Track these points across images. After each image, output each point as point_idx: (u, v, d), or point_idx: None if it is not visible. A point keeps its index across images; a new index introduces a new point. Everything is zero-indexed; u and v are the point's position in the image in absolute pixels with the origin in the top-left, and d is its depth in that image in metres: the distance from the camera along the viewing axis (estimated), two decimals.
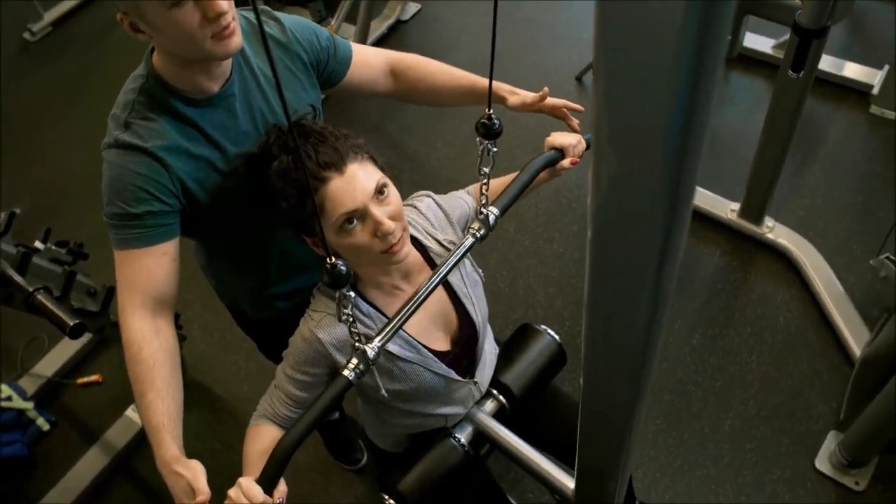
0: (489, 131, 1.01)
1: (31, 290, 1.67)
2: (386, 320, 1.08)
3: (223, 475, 0.99)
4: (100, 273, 2.36)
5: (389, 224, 1.05)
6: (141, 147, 1.12)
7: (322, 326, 1.12)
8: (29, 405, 2.40)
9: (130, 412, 2.37)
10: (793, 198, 2.57)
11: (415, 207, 1.27)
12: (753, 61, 2.98)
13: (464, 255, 1.08)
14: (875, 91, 2.76)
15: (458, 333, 1.28)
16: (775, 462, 2.02)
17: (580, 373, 0.68)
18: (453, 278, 1.26)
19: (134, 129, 1.13)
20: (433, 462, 1.30)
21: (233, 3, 1.07)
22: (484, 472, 1.52)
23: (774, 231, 2.42)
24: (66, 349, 2.56)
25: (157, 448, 1.06)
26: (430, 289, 1.02)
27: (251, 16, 1.23)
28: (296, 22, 1.28)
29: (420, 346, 1.20)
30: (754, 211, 2.41)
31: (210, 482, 1.01)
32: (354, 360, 0.94)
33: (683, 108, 0.37)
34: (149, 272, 1.14)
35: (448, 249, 1.23)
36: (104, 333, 2.17)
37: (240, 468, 1.09)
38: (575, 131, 1.38)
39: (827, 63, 2.81)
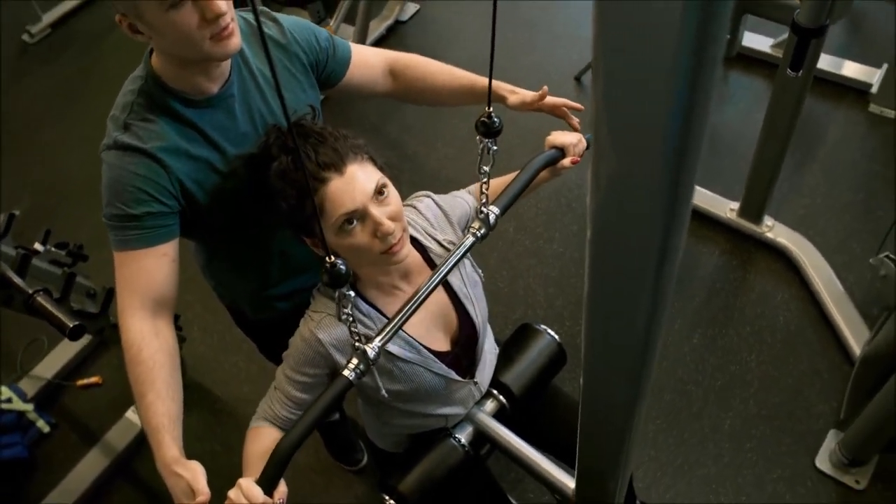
0: (489, 130, 1.01)
1: (30, 291, 1.67)
2: (386, 321, 1.08)
3: (223, 476, 0.99)
4: (99, 275, 2.36)
5: (389, 224, 1.05)
6: (140, 148, 1.12)
7: (322, 327, 1.12)
8: (29, 407, 2.40)
9: (130, 414, 2.37)
10: (792, 197, 2.57)
11: (414, 208, 1.27)
12: (752, 60, 2.98)
13: (464, 254, 1.08)
14: (874, 90, 2.76)
15: (458, 334, 1.28)
16: (776, 461, 2.02)
17: (580, 373, 0.68)
18: (453, 279, 1.26)
19: (133, 131, 1.13)
20: (433, 462, 1.30)
21: (231, 4, 1.07)
22: (484, 473, 1.52)
23: (774, 230, 2.42)
24: (65, 351, 2.56)
25: (156, 449, 1.06)
26: (430, 288, 1.02)
27: (250, 17, 1.23)
28: (294, 23, 1.28)
29: (420, 347, 1.20)
30: (754, 210, 2.41)
31: (210, 483, 1.01)
32: (355, 360, 0.94)
33: (682, 107, 0.37)
34: (148, 273, 1.14)
35: (448, 250, 1.23)
36: (104, 335, 2.17)
37: (240, 470, 1.09)
38: (576, 130, 1.38)
39: (826, 62, 2.81)
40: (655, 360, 0.61)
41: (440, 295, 1.25)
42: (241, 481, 0.94)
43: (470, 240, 1.08)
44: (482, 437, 1.36)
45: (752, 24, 2.86)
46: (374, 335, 0.97)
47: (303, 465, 2.21)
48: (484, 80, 1.38)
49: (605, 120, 0.40)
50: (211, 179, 1.19)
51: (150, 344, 1.12)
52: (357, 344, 0.93)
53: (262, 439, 1.12)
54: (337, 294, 0.84)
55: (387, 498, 1.27)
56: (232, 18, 1.07)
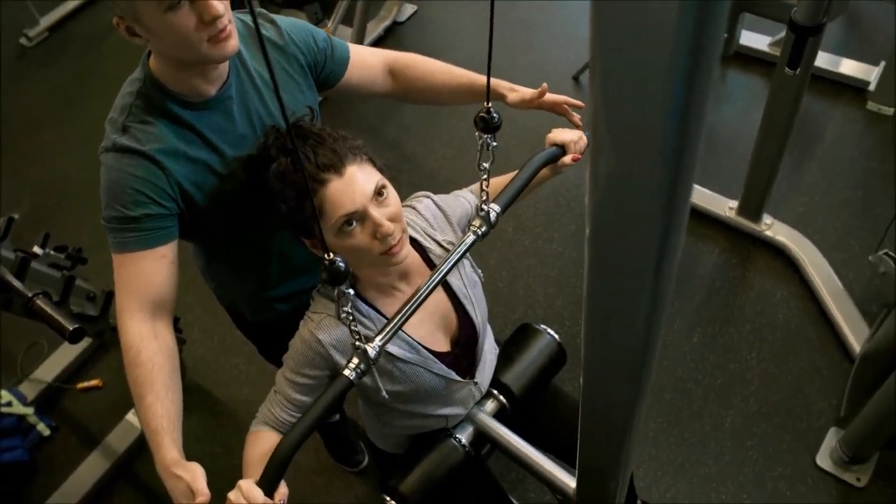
0: (488, 125, 1.01)
1: (30, 295, 1.67)
2: (386, 321, 1.08)
3: (223, 478, 0.99)
4: (99, 277, 2.36)
5: (388, 225, 1.05)
6: (139, 150, 1.12)
7: (322, 327, 1.12)
8: (29, 410, 2.40)
9: (131, 416, 2.37)
10: (791, 195, 2.57)
11: (413, 208, 1.27)
12: (750, 59, 2.99)
13: (465, 252, 1.08)
14: (872, 87, 2.76)
15: (457, 334, 1.28)
16: (776, 459, 2.02)
17: (580, 372, 0.68)
18: (453, 279, 1.26)
19: (131, 133, 1.13)
20: (434, 463, 1.30)
21: (229, 5, 1.07)
22: (485, 473, 1.52)
23: (773, 228, 2.42)
24: (65, 354, 2.56)
25: (156, 451, 1.06)
26: (431, 286, 1.03)
27: (247, 18, 1.23)
28: (292, 24, 1.28)
29: (420, 347, 1.20)
30: (752, 208, 2.41)
31: (210, 485, 1.01)
32: (355, 360, 0.94)
33: (680, 106, 0.37)
34: (147, 275, 1.14)
35: (447, 250, 1.23)
36: (104, 338, 2.17)
37: (240, 472, 1.09)
38: (577, 127, 1.38)
39: (823, 60, 2.81)
40: (655, 358, 0.62)
41: (440, 295, 1.25)
42: (241, 482, 0.94)
43: (471, 238, 1.08)
44: (483, 437, 1.36)
45: (750, 22, 2.86)
46: (374, 336, 0.97)
47: (303, 466, 2.21)
48: (483, 79, 1.38)
49: (603, 119, 0.40)
50: (209, 181, 1.19)
51: (149, 346, 1.12)
52: (357, 343, 0.93)
53: (262, 443, 1.11)
54: (336, 292, 0.84)
55: (388, 499, 1.27)
56: (229, 20, 1.07)
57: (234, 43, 1.08)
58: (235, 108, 1.20)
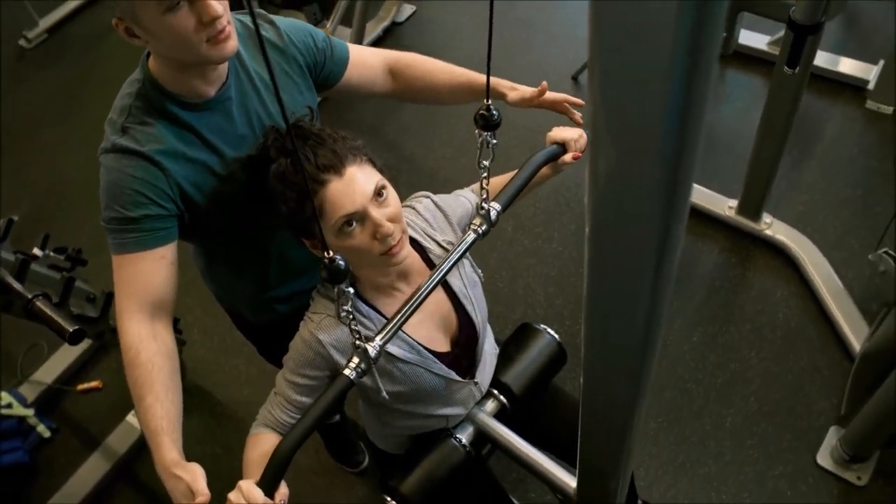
0: (488, 122, 1.01)
1: (29, 296, 1.67)
2: (386, 321, 1.08)
3: (224, 479, 0.99)
4: (99, 279, 2.36)
5: (388, 226, 1.05)
6: (138, 151, 1.12)
7: (322, 328, 1.12)
8: (29, 412, 2.40)
9: (131, 418, 2.37)
10: (790, 194, 2.57)
11: (413, 209, 1.27)
12: (749, 58, 2.99)
13: (466, 250, 1.08)
14: (871, 86, 2.76)
15: (457, 334, 1.28)
16: (777, 458, 2.02)
17: (580, 372, 0.68)
18: (453, 279, 1.26)
19: (131, 134, 1.13)
20: (435, 463, 1.30)
21: (228, 6, 1.07)
22: (486, 473, 1.52)
23: (773, 227, 2.43)
24: (65, 356, 2.56)
25: (156, 452, 1.06)
26: (432, 285, 1.03)
27: (246, 19, 1.23)
28: (291, 24, 1.28)
29: (420, 348, 1.20)
30: (752, 207, 2.41)
31: (211, 486, 1.01)
32: (355, 360, 0.94)
33: (679, 106, 0.37)
34: (146, 276, 1.14)
35: (447, 250, 1.23)
36: (103, 339, 2.17)
37: (241, 472, 1.09)
38: (578, 125, 1.38)
39: (822, 59, 2.81)
40: (655, 358, 0.62)
41: (440, 296, 1.25)
42: (242, 483, 0.94)
43: (471, 236, 1.08)
44: (483, 437, 1.36)
45: (749, 21, 2.86)
46: (374, 336, 0.97)
47: (304, 466, 2.21)
48: (482, 77, 1.38)
49: (602, 119, 0.40)
50: (209, 182, 1.19)
51: (149, 347, 1.12)
52: (357, 342, 0.93)
53: (262, 444, 1.11)
54: (336, 290, 0.84)
55: (388, 499, 1.27)
56: (228, 21, 1.07)
57: (233, 44, 1.08)
58: (235, 108, 1.20)
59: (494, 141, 1.03)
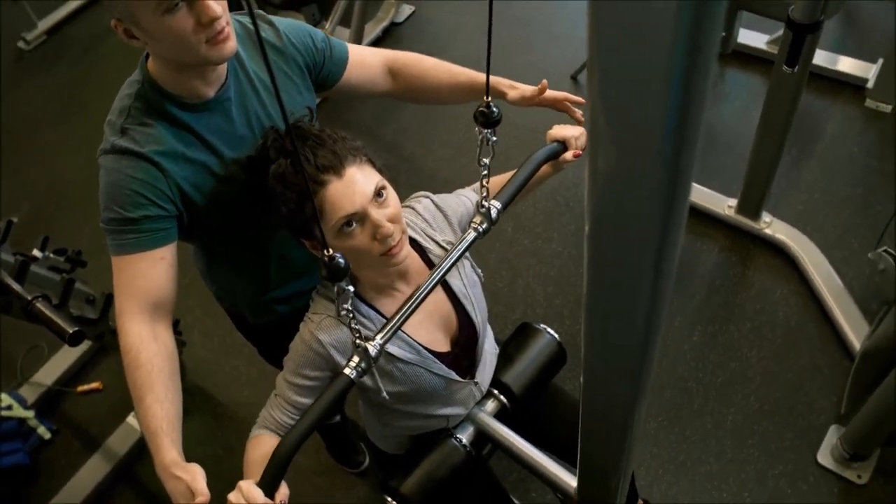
0: (488, 119, 1.01)
1: (29, 298, 1.67)
2: (386, 321, 1.08)
3: (224, 480, 0.99)
4: (98, 280, 2.36)
5: (388, 226, 1.05)
6: (137, 152, 1.12)
7: (322, 328, 1.11)
8: (30, 414, 2.40)
9: (131, 419, 2.37)
10: (790, 193, 2.57)
11: (412, 209, 1.27)
12: (748, 57, 2.99)
13: (466, 249, 1.08)
14: (870, 85, 2.76)
15: (457, 334, 1.28)
16: (778, 457, 2.02)
17: (580, 371, 0.68)
18: (453, 279, 1.26)
19: (130, 135, 1.13)
20: (435, 463, 1.30)
21: (227, 7, 1.07)
22: (486, 473, 1.52)
23: (772, 226, 2.43)
24: (65, 357, 2.56)
25: (155, 453, 1.06)
26: (432, 284, 1.03)
27: (245, 20, 1.23)
28: (290, 25, 1.28)
29: (420, 348, 1.20)
30: (752, 206, 2.41)
31: (211, 487, 1.00)
32: (356, 359, 0.94)
33: (678, 106, 0.37)
34: (146, 277, 1.14)
35: (447, 251, 1.23)
36: (103, 341, 2.17)
37: (241, 473, 1.09)
38: (579, 123, 1.37)
39: (821, 58, 2.81)
40: (655, 357, 0.62)
41: (440, 296, 1.25)
42: (242, 483, 0.94)
43: (472, 235, 1.08)
44: (483, 437, 1.36)
45: (748, 20, 2.86)
46: (374, 335, 0.97)
47: (304, 467, 2.21)
48: (482, 76, 1.38)
49: (601, 119, 0.40)
50: (208, 183, 1.19)
51: (149, 347, 1.12)
52: (358, 341, 0.93)
53: (263, 446, 1.11)
54: (336, 289, 0.84)
55: (389, 499, 1.27)
56: (227, 22, 1.07)
57: (232, 45, 1.08)
58: (234, 109, 1.20)
59: (494, 138, 1.03)
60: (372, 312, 1.16)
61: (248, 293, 1.44)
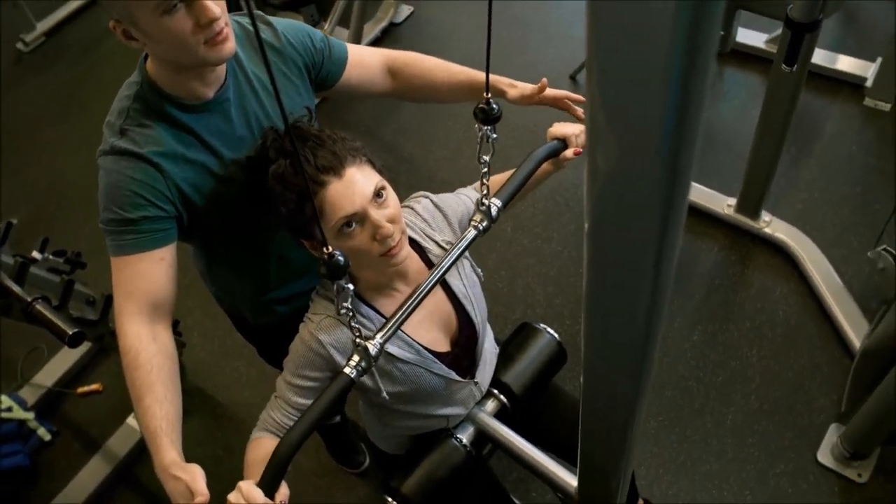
0: (488, 116, 1.01)
1: (29, 299, 1.67)
2: (386, 321, 1.08)
3: (225, 481, 0.98)
4: (98, 282, 2.36)
5: (388, 227, 1.05)
6: (137, 153, 1.12)
7: (322, 328, 1.11)
8: (30, 415, 2.40)
9: (132, 420, 2.36)
10: (789, 192, 2.57)
11: (411, 209, 1.27)
12: (747, 56, 2.99)
13: (467, 247, 1.08)
14: (869, 83, 2.76)
15: (457, 334, 1.28)
16: (778, 456, 2.02)
17: (581, 371, 0.68)
18: (452, 279, 1.26)
19: (129, 136, 1.13)
20: (435, 463, 1.30)
21: (225, 8, 1.07)
22: (486, 473, 1.52)
23: (772, 225, 2.43)
24: (65, 359, 2.56)
25: (155, 453, 1.05)
26: (433, 282, 1.02)
27: (243, 20, 1.23)
28: (289, 25, 1.28)
29: (420, 348, 1.20)
30: (751, 206, 2.41)
31: (211, 488, 1.00)
32: (356, 357, 0.94)
33: (676, 105, 0.37)
34: (145, 278, 1.14)
35: (446, 251, 1.23)
36: (103, 342, 2.17)
37: (241, 474, 1.09)
38: (580, 121, 1.37)
39: (820, 57, 2.81)
40: (655, 355, 0.62)
41: (439, 295, 1.25)
42: (241, 484, 0.94)
43: (472, 233, 1.08)
44: (484, 437, 1.36)
45: (746, 20, 2.86)
46: (374, 334, 0.97)
47: (305, 468, 2.21)
48: (482, 75, 1.38)
49: (600, 119, 0.40)
50: (208, 183, 1.19)
51: (148, 348, 1.12)
52: (358, 340, 0.93)
53: (263, 448, 1.10)
54: (336, 287, 0.84)
55: (389, 500, 1.27)
56: (226, 23, 1.07)
57: (230, 45, 1.08)
58: (233, 110, 1.20)
59: (494, 135, 1.03)
60: (372, 312, 1.16)
61: (248, 294, 1.44)
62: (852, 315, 2.18)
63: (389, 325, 0.97)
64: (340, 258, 0.79)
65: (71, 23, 4.26)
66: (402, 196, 1.21)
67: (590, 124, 0.41)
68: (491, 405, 1.39)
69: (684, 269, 2.45)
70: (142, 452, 2.33)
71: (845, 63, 2.84)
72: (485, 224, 1.09)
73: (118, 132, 1.13)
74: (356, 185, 1.04)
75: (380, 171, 1.11)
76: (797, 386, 2.14)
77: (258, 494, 0.92)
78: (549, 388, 1.53)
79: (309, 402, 1.13)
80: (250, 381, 2.46)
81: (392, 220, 1.07)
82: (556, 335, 1.45)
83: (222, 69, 1.17)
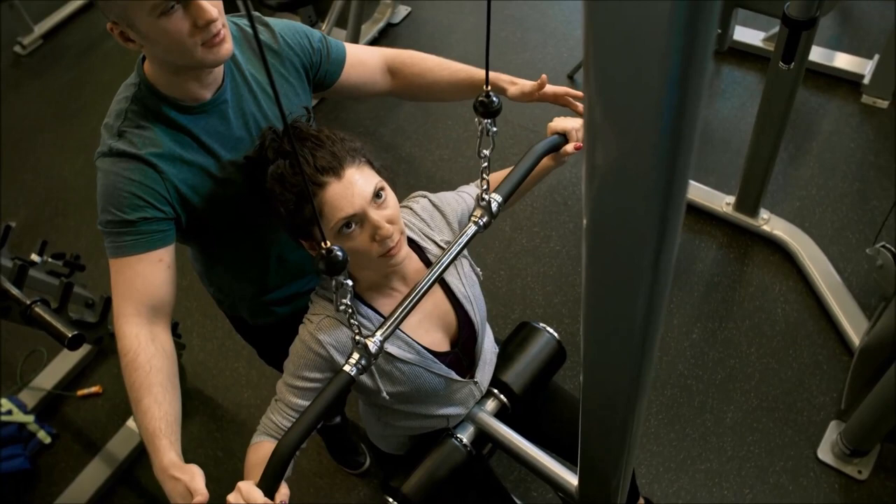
0: (488, 109, 1.00)
1: (28, 302, 1.67)
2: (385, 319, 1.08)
3: (225, 482, 0.99)
4: (97, 284, 2.36)
5: (388, 228, 1.05)
6: (135, 154, 1.12)
7: (321, 328, 1.11)
8: (30, 418, 2.40)
9: (131, 422, 2.36)
10: (787, 189, 2.57)
11: (410, 209, 1.27)
12: (744, 54, 2.99)
13: (467, 243, 1.08)
14: (866, 80, 2.77)
15: (457, 334, 1.28)
16: (778, 453, 2.02)
17: (580, 370, 0.68)
18: (452, 279, 1.26)
19: (127, 138, 1.13)
20: (436, 463, 1.30)
21: (223, 9, 1.07)
22: (487, 472, 1.52)
23: (770, 223, 2.43)
24: (65, 361, 2.56)
25: (154, 454, 1.05)
26: (432, 279, 1.02)
27: (241, 22, 1.23)
28: (286, 26, 1.28)
29: (420, 348, 1.20)
30: (749, 203, 2.42)
31: (212, 490, 1.00)
32: (356, 355, 0.93)
33: (674, 104, 0.37)
34: (144, 279, 1.14)
35: (445, 250, 1.23)
36: (103, 344, 2.17)
37: (241, 475, 1.09)
38: (580, 116, 1.37)
39: (817, 54, 2.81)
40: (655, 354, 0.62)
41: (439, 295, 1.25)
42: (241, 484, 0.93)
43: (472, 228, 1.08)
44: (484, 436, 1.36)
45: (743, 18, 2.87)
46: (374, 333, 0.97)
47: (305, 469, 2.21)
48: (482, 72, 1.38)
49: (598, 117, 0.40)
50: (206, 185, 1.19)
51: (147, 349, 1.12)
52: (357, 337, 0.93)
53: (263, 450, 1.10)
54: (334, 283, 0.84)
55: (390, 500, 1.27)
56: (223, 24, 1.06)
57: (228, 47, 1.08)
58: (231, 111, 1.20)
59: (495, 129, 1.02)
60: (371, 312, 1.16)
61: (247, 294, 1.44)
62: (851, 312, 2.19)
63: (390, 322, 0.97)
64: (339, 253, 0.78)
65: (68, 26, 4.25)
66: (401, 197, 1.21)
67: (588, 123, 0.41)
68: (491, 405, 1.39)
69: (683, 267, 2.45)
70: (142, 454, 2.32)
71: (842, 60, 2.85)
72: (485, 220, 1.09)
73: (116, 134, 1.13)
74: (355, 185, 1.04)
75: (379, 172, 1.11)
76: (797, 383, 2.14)
77: (258, 495, 0.92)
78: (549, 387, 1.53)
79: (308, 403, 1.13)
80: (250, 382, 2.46)
81: (391, 221, 1.07)
82: (555, 334, 1.45)
83: (220, 71, 1.17)
